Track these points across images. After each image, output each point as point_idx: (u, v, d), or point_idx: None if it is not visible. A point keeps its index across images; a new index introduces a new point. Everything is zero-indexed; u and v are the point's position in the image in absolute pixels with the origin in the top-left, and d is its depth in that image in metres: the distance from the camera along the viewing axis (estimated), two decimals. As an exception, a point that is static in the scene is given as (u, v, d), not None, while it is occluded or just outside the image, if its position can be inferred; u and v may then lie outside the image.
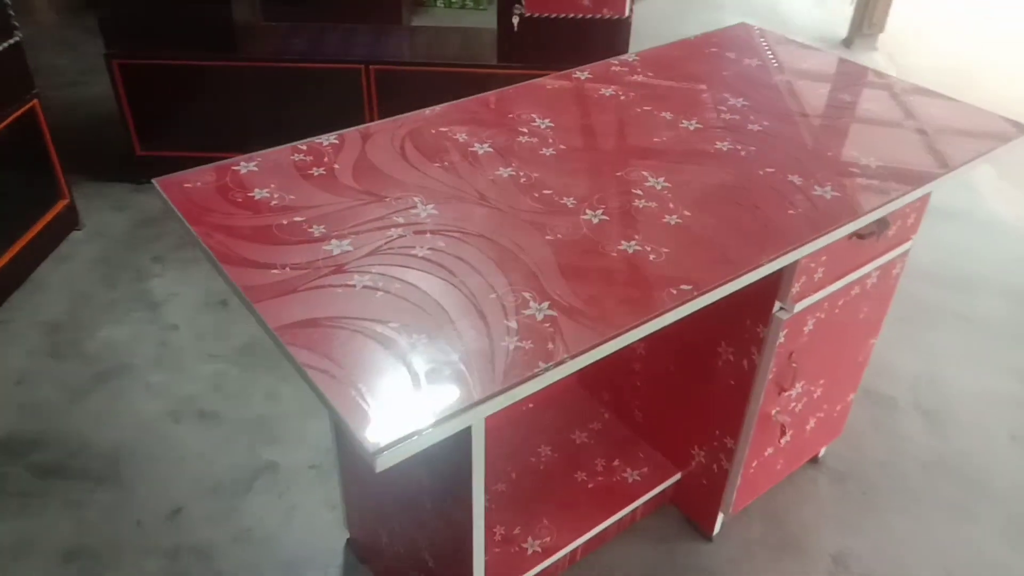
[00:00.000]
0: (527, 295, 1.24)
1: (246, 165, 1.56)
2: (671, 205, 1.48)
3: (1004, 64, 5.05)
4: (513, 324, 1.17)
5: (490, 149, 1.65)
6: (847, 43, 4.98)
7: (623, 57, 2.11)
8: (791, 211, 1.48)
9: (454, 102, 1.84)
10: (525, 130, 1.73)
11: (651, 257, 1.34)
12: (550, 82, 1.96)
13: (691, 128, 1.76)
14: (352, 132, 1.69)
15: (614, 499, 2.04)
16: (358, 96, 3.27)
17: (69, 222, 3.18)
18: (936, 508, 2.22)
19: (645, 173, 1.58)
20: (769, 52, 2.18)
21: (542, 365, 1.11)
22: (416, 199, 1.47)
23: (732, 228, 1.43)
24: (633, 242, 1.37)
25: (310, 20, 3.64)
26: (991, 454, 2.39)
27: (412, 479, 1.52)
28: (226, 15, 3.15)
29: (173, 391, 2.50)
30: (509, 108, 1.83)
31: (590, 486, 2.06)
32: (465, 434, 1.20)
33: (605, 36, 3.12)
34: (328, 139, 1.66)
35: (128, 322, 2.76)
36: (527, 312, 1.20)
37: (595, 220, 1.43)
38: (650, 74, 2.01)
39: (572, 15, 3.07)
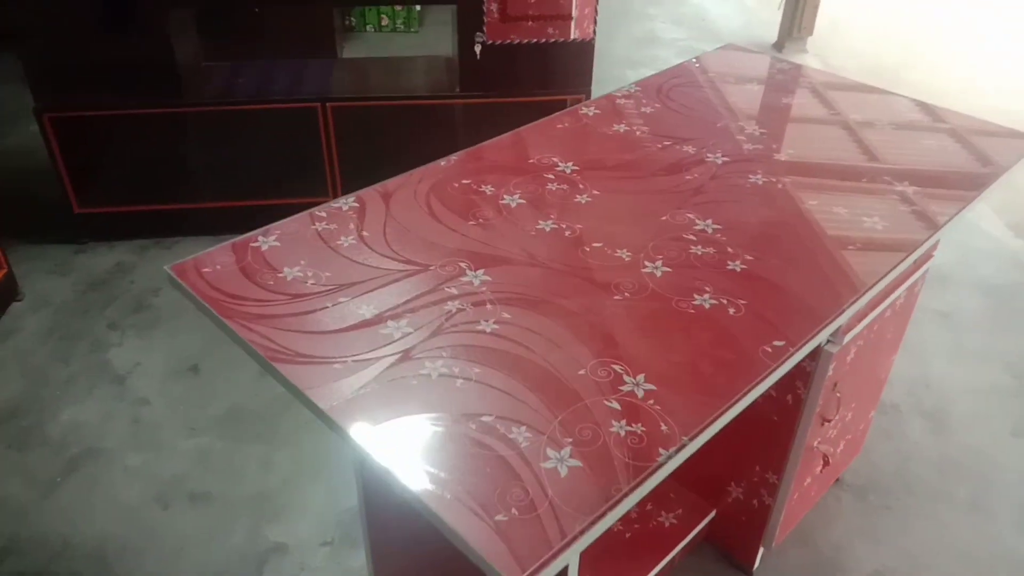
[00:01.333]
0: (617, 368, 1.15)
1: (265, 240, 1.41)
2: (729, 250, 1.42)
3: (930, 55, 5.25)
4: (615, 405, 1.08)
5: (522, 200, 1.55)
6: (778, 47, 5.08)
7: (624, 89, 2.04)
8: (850, 247, 1.44)
9: (468, 149, 1.74)
10: (551, 176, 1.64)
11: (731, 311, 1.27)
12: (560, 120, 1.88)
13: (719, 162, 1.71)
14: (370, 192, 1.57)
15: (654, 547, 1.96)
16: (315, 136, 3.10)
17: (7, 292, 2.90)
18: (954, 508, 2.24)
19: (691, 216, 1.51)
20: (763, 72, 2.15)
21: (663, 452, 1.02)
22: (462, 264, 1.36)
23: (798, 270, 1.37)
24: (707, 295, 1.30)
25: (248, 58, 3.45)
26: (996, 448, 2.43)
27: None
28: (166, 56, 2.94)
29: (155, 473, 2.30)
30: (527, 153, 1.73)
31: (628, 536, 1.98)
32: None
33: (569, 59, 3.06)
34: (347, 203, 1.53)
35: (92, 400, 2.53)
36: (624, 388, 1.11)
37: (658, 273, 1.35)
38: (657, 105, 1.95)
39: (535, 40, 3.00)
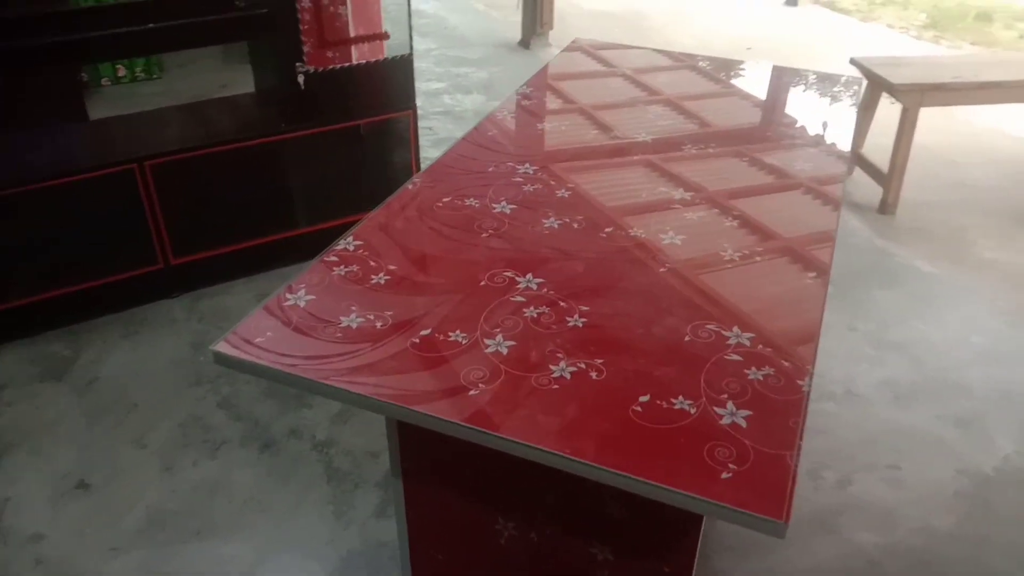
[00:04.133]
0: (711, 327, 1.26)
1: (295, 297, 1.32)
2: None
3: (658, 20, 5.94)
4: (736, 357, 1.19)
5: (512, 205, 1.59)
6: (524, 44, 5.44)
7: (522, 90, 2.14)
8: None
9: (423, 172, 1.73)
10: (519, 179, 1.69)
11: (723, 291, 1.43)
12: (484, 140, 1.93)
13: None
14: (366, 227, 1.51)
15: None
16: (135, 200, 2.80)
17: None
18: (840, 401, 2.64)
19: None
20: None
21: (801, 382, 1.15)
22: (506, 274, 1.38)
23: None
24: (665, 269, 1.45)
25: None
26: (845, 346, 2.89)
27: (576, 560, 1.44)
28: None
29: (90, 611, 1.99)
30: (483, 164, 1.77)
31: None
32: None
33: (391, 76, 3.07)
34: (349, 243, 1.46)
35: (-34, 557, 2.10)
36: (731, 343, 1.23)
37: (679, 242, 1.48)
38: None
39: (355, 63, 2.97)
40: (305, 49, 2.84)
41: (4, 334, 2.77)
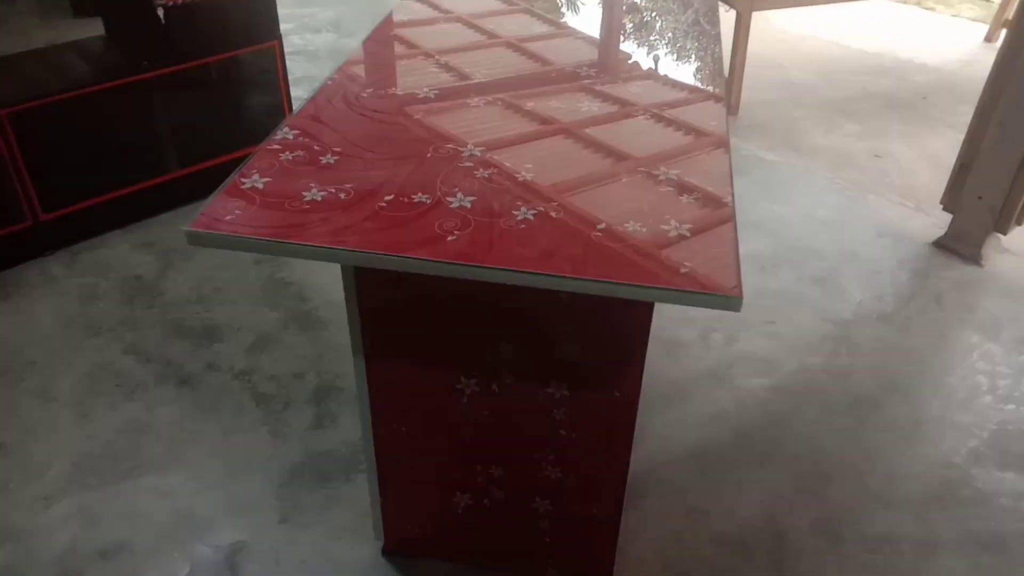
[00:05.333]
0: (643, 169, 1.42)
1: (251, 181, 1.36)
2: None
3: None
4: (670, 189, 1.37)
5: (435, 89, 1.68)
6: None
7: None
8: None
9: (339, 70, 1.77)
10: (433, 68, 1.78)
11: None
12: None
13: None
14: (297, 119, 1.56)
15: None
16: (-9, 153, 2.62)
17: None
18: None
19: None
20: None
21: (728, 203, 1.34)
22: (448, 146, 1.48)
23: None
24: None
25: None
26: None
27: (534, 403, 1.58)
28: None
29: (36, 558, 1.93)
30: (389, 54, 1.83)
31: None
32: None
33: (252, 8, 3.01)
34: (287, 133, 1.51)
35: None
36: (660, 176, 1.39)
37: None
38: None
39: (216, -6, 2.89)
40: (162, -20, 2.73)
41: None
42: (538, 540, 1.80)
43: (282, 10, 3.22)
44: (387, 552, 1.94)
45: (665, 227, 1.27)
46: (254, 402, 2.36)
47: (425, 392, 1.61)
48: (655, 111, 1.66)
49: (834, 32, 5.13)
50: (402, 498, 1.83)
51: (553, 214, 1.29)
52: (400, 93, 1.69)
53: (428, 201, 1.32)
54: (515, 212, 1.29)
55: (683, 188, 1.38)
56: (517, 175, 1.40)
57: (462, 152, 1.46)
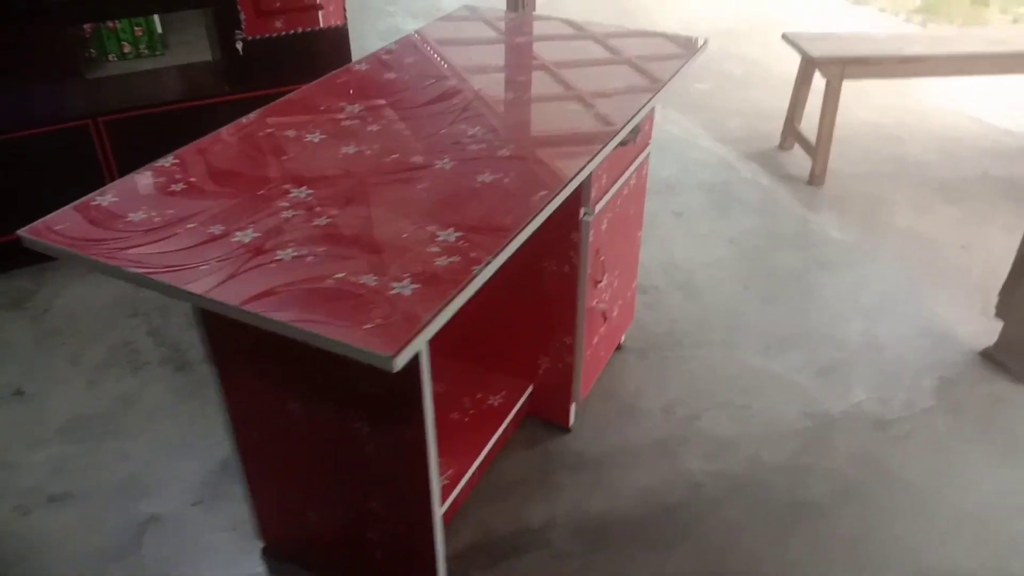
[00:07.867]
0: (431, 228, 1.49)
1: (102, 199, 1.60)
2: (497, 144, 1.81)
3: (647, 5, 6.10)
4: (436, 249, 1.43)
5: (323, 136, 1.85)
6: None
7: (386, 47, 2.39)
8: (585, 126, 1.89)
9: (265, 107, 1.99)
10: (341, 115, 1.95)
11: (505, 181, 1.66)
12: (339, 76, 2.19)
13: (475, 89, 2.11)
14: (187, 151, 1.79)
15: (487, 425, 2.33)
16: (91, 154, 3.15)
17: None
18: (713, 349, 2.82)
19: (462, 127, 1.89)
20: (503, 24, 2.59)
21: (475, 268, 1.38)
22: (286, 186, 1.64)
23: (549, 147, 1.80)
24: (487, 175, 1.68)
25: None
26: (735, 301, 3.07)
27: (346, 434, 1.68)
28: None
29: (8, 487, 2.32)
30: (317, 103, 2.03)
31: (466, 420, 2.33)
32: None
33: (327, 46, 3.35)
34: (167, 161, 1.74)
35: (-89, 444, 2.47)
36: (440, 239, 1.46)
37: (447, 167, 1.71)
38: (418, 56, 2.32)
39: (292, 31, 3.26)
40: (243, 17, 3.14)
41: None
42: (373, 567, 1.89)
43: (358, 44, 3.53)
44: (266, 553, 2.12)
45: (394, 284, 1.34)
46: (227, 395, 2.64)
47: (264, 406, 1.77)
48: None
49: (979, 107, 4.62)
50: (270, 504, 2.00)
51: (310, 259, 1.41)
52: (292, 135, 1.87)
53: (219, 232, 1.48)
54: (279, 252, 1.42)
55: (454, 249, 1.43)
56: (316, 220, 1.52)
57: (291, 193, 1.61)
